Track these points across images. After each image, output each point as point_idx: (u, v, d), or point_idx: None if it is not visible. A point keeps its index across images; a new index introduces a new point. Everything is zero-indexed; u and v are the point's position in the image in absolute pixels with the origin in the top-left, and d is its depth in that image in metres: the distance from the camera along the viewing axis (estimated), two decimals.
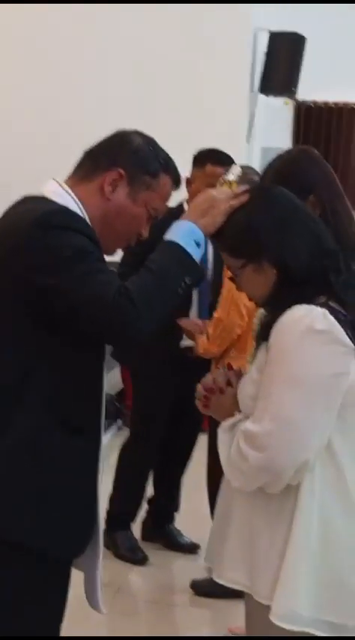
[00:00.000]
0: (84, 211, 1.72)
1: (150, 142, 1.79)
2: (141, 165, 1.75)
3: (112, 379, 5.36)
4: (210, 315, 3.34)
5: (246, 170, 3.11)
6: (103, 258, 1.71)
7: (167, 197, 1.81)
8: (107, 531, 3.65)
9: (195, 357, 3.30)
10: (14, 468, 1.65)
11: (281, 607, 1.63)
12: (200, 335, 3.29)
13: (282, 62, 6.51)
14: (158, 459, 3.78)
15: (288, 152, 2.00)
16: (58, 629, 1.79)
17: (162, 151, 1.80)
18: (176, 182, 1.82)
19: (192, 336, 3.32)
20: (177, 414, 3.61)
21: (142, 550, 3.67)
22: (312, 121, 7.36)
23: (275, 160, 1.99)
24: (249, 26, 6.56)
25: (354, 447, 1.64)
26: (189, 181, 3.51)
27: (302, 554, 1.62)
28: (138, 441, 3.71)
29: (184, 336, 3.45)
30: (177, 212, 2.23)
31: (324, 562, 1.63)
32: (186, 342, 3.47)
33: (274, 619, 1.63)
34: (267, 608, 1.64)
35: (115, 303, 1.57)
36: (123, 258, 3.38)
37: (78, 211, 1.71)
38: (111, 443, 4.77)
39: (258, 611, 1.69)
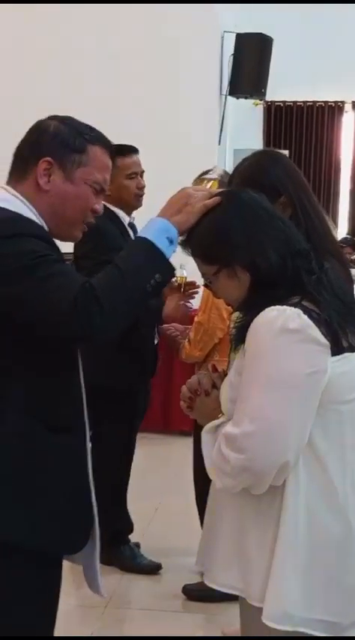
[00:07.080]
0: (34, 210, 1.72)
1: (67, 121, 1.79)
2: (65, 146, 1.75)
3: None
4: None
5: (223, 174, 3.12)
6: (62, 257, 1.71)
7: (104, 166, 1.79)
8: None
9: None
10: (5, 471, 1.66)
11: (273, 608, 1.62)
12: (182, 340, 3.29)
13: (250, 64, 6.54)
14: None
15: (253, 155, 2.01)
16: (51, 627, 1.80)
17: (83, 125, 1.80)
18: (108, 148, 1.80)
19: (174, 342, 3.32)
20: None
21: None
22: (282, 120, 7.41)
23: (241, 163, 2.00)
24: (217, 29, 6.59)
25: (336, 443, 1.65)
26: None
27: (289, 553, 1.62)
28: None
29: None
30: None
31: (312, 560, 1.63)
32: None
33: (266, 620, 1.63)
34: (261, 610, 1.64)
35: (77, 304, 1.56)
36: None
37: (30, 214, 1.71)
38: None
39: (252, 614, 1.69)
